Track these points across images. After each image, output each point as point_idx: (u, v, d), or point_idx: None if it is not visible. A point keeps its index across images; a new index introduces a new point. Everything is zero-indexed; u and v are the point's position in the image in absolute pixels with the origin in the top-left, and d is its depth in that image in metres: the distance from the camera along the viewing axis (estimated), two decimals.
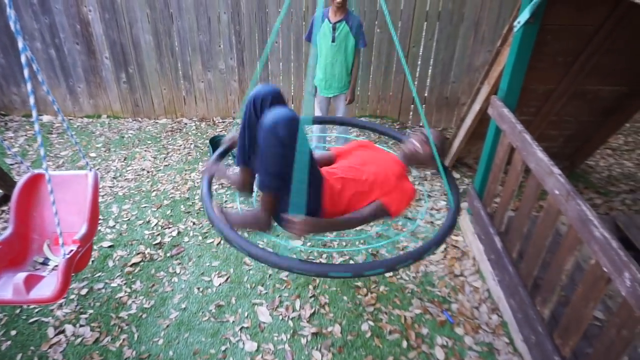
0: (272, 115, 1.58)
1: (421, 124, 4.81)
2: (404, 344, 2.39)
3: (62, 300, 2.61)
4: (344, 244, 3.08)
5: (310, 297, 2.67)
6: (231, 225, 1.76)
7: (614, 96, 3.28)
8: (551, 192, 2.04)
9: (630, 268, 1.51)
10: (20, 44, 1.66)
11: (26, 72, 1.66)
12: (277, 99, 1.84)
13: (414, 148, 2.07)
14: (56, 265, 2.17)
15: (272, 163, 1.64)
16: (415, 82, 4.60)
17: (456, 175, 3.94)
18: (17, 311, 2.55)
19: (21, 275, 1.89)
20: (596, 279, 1.72)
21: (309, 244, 3.00)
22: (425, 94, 4.64)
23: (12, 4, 1.56)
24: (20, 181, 2.29)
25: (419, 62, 4.48)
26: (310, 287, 2.74)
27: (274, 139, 1.58)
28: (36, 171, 2.35)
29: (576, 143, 3.85)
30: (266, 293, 2.71)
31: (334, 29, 3.31)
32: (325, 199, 1.86)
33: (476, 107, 3.30)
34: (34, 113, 1.69)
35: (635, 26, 2.64)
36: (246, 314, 2.57)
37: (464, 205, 3.34)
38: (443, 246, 3.07)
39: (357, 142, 2.27)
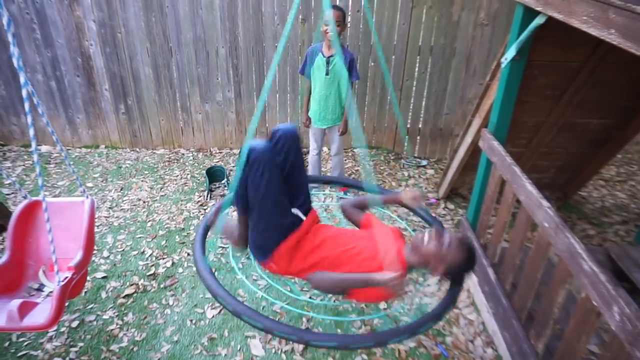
0: (251, 142, 1.78)
1: (416, 155, 4.87)
2: None
3: (52, 333, 2.58)
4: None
5: (304, 329, 2.64)
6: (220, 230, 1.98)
7: (602, 128, 3.35)
8: (541, 224, 2.07)
9: (618, 302, 1.52)
10: (22, 79, 1.72)
11: (27, 106, 1.71)
12: (293, 140, 1.96)
13: (421, 239, 1.79)
14: (51, 292, 2.17)
15: (238, 184, 1.85)
16: (410, 114, 4.69)
17: (450, 206, 3.96)
18: (6, 344, 2.52)
19: (15, 302, 1.90)
20: (587, 312, 1.73)
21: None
22: (420, 126, 4.72)
23: (15, 42, 1.61)
24: (18, 208, 2.31)
25: (413, 95, 4.57)
26: (304, 319, 2.71)
27: (245, 163, 1.78)
28: (33, 198, 2.37)
29: (567, 174, 3.90)
30: None
31: (327, 62, 3.41)
32: (286, 244, 1.88)
33: (468, 139, 3.36)
34: (34, 144, 1.73)
35: (617, 63, 2.73)
36: (239, 347, 2.54)
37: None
38: (437, 277, 3.06)
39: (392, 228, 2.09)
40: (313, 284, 1.85)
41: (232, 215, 3.19)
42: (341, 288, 1.77)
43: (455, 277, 1.84)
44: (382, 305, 2.80)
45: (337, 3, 3.62)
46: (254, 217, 1.87)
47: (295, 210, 1.97)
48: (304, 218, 1.98)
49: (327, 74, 3.42)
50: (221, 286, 1.71)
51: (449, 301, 1.77)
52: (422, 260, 1.79)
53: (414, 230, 3.56)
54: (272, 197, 1.82)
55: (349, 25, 4.14)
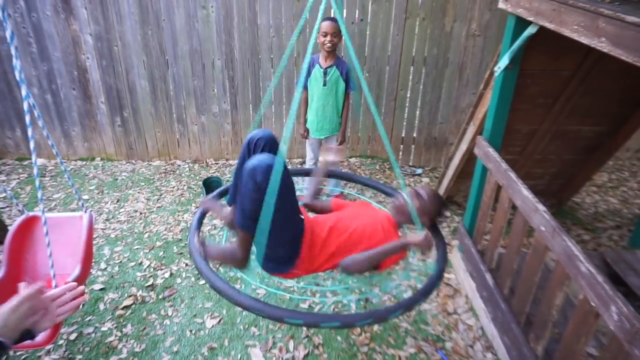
0: (254, 160, 1.68)
1: (411, 164, 4.92)
2: None
3: (50, 346, 2.56)
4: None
5: (304, 337, 2.65)
6: (207, 256, 1.83)
7: (594, 135, 3.41)
8: (537, 229, 2.10)
9: (616, 302, 1.55)
10: (23, 92, 1.74)
11: (27, 118, 1.72)
12: (270, 143, 1.93)
13: (401, 202, 2.11)
14: None
15: (247, 204, 1.74)
16: (404, 124, 4.75)
17: (446, 213, 4.00)
18: (4, 358, 2.48)
19: None
20: (585, 314, 1.75)
21: (302, 283, 3.00)
22: (414, 135, 4.78)
23: (18, 55, 1.64)
24: (15, 223, 2.31)
25: (407, 104, 4.63)
26: (304, 327, 2.72)
27: (251, 182, 1.68)
28: (31, 213, 2.37)
29: (561, 181, 3.96)
30: (259, 334, 2.68)
31: (325, 73, 3.45)
32: (304, 247, 1.92)
33: (463, 146, 3.41)
34: (34, 156, 1.74)
35: (608, 71, 2.80)
36: (239, 357, 2.53)
37: (454, 242, 3.38)
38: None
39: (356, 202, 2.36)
40: (347, 270, 1.92)
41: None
42: (374, 263, 1.93)
43: (434, 223, 2.14)
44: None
45: (332, 15, 3.67)
46: (272, 231, 1.68)
47: None
48: (302, 216, 2.01)
49: (324, 84, 3.46)
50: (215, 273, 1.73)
51: (443, 258, 1.95)
52: (408, 218, 2.06)
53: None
54: (288, 206, 1.82)
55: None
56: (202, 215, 2.07)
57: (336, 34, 3.31)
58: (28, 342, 1.84)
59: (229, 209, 2.13)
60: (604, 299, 1.60)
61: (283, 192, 1.63)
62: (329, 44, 3.33)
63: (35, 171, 1.74)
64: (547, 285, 2.05)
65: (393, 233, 2.05)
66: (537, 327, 2.15)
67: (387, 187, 2.48)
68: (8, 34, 1.56)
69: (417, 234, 1.90)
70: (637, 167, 5.03)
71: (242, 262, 1.96)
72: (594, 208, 4.16)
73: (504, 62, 2.50)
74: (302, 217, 2.00)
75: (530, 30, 2.25)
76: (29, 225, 2.34)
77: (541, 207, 2.11)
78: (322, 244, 1.95)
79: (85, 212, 2.35)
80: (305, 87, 3.60)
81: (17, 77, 1.66)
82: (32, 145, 1.73)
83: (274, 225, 1.65)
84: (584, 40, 1.74)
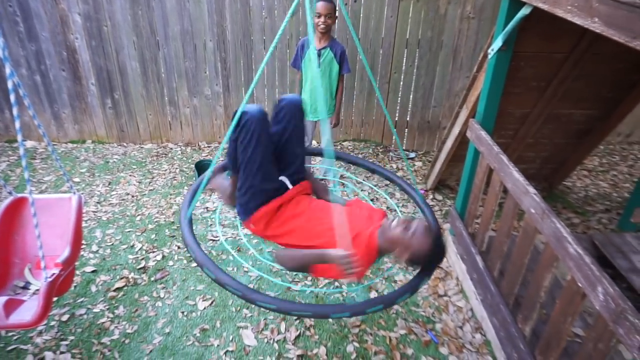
0: (245, 106, 1.83)
1: (404, 148, 4.91)
2: None
3: (42, 327, 2.56)
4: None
5: (296, 319, 2.67)
6: (211, 180, 2.07)
7: (586, 119, 3.42)
8: (527, 211, 2.11)
9: (602, 282, 1.57)
10: (7, 70, 1.70)
11: (12, 97, 1.69)
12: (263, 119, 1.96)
13: (390, 224, 1.77)
14: (37, 290, 2.15)
15: (230, 144, 1.98)
16: (398, 107, 4.73)
17: (438, 197, 4.01)
18: None
19: (0, 300, 1.87)
20: (573, 294, 1.77)
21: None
22: (407, 119, 4.76)
23: (1, 33, 1.60)
24: (3, 205, 2.28)
25: (401, 88, 4.60)
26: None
27: (236, 124, 1.86)
28: (19, 195, 2.34)
29: (553, 164, 3.97)
30: (251, 316, 2.70)
31: (319, 55, 3.41)
32: (265, 209, 1.96)
33: (456, 130, 3.41)
34: (19, 137, 1.71)
35: (601, 55, 2.79)
36: (231, 338, 2.55)
37: (446, 226, 3.40)
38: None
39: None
40: (277, 260, 1.91)
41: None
42: (302, 264, 1.82)
43: (423, 267, 1.79)
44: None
45: None
46: (241, 177, 1.95)
47: (283, 178, 2.04)
48: (290, 187, 2.04)
49: (318, 66, 3.42)
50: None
51: (407, 289, 1.71)
52: (389, 246, 1.76)
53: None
54: (258, 161, 1.89)
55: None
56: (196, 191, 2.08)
57: (330, 15, 3.27)
58: (19, 322, 1.86)
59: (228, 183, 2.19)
60: (591, 280, 1.62)
61: (253, 145, 1.86)
62: (322, 25, 3.28)
63: (21, 151, 1.72)
64: (536, 267, 2.07)
65: (363, 251, 1.75)
66: (526, 308, 2.18)
67: (406, 185, 2.27)
68: None
69: (337, 250, 1.63)
70: (628, 151, 5.06)
71: (229, 199, 2.16)
72: (584, 192, 4.19)
73: (497, 43, 2.48)
74: (287, 186, 2.04)
75: (524, 11, 2.23)
76: (17, 206, 2.31)
77: (532, 189, 2.12)
78: (288, 218, 1.98)
79: (74, 194, 2.33)
80: (300, 68, 3.57)
81: (0, 55, 1.62)
82: (17, 125, 1.70)
83: (244, 171, 1.91)
84: (577, 20, 1.72)
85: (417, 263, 1.75)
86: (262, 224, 1.98)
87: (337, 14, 3.40)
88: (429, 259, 1.75)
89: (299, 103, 2.05)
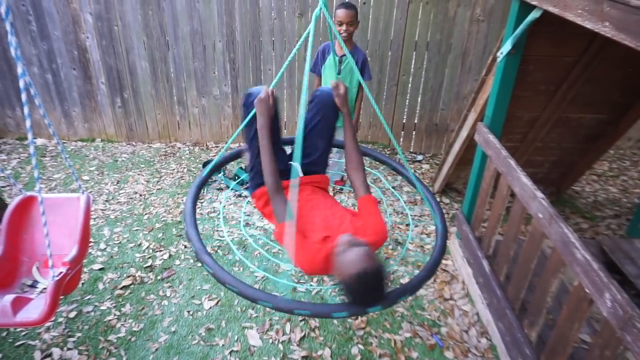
0: (252, 88, 1.97)
1: (411, 150, 4.90)
2: None
3: (49, 323, 2.59)
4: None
5: (301, 320, 2.67)
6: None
7: (595, 124, 3.39)
8: (535, 215, 2.10)
9: (610, 289, 1.56)
10: (19, 69, 1.71)
11: (24, 97, 1.70)
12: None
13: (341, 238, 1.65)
14: (45, 288, 2.16)
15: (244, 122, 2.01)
16: (406, 110, 4.72)
17: (445, 200, 4.00)
18: (4, 334, 2.52)
19: (8, 298, 1.88)
20: (579, 300, 1.76)
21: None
22: (415, 121, 4.75)
23: (13, 32, 1.62)
24: (12, 203, 2.30)
25: (409, 90, 4.59)
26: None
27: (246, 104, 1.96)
28: (28, 193, 2.36)
29: (561, 169, 3.94)
30: (256, 316, 2.70)
31: (340, 62, 3.40)
32: (262, 189, 1.96)
33: (464, 133, 3.39)
34: (30, 135, 1.72)
35: (611, 59, 2.77)
36: (236, 338, 2.56)
37: (453, 229, 3.38)
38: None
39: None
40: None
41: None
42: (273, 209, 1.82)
43: (354, 297, 1.55)
44: None
45: None
46: (250, 154, 2.05)
47: (295, 164, 1.91)
48: (300, 174, 2.05)
49: (338, 73, 3.39)
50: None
51: (408, 289, 1.66)
52: (332, 259, 1.64)
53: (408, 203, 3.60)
54: (259, 141, 1.89)
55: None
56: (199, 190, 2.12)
57: (352, 22, 3.22)
58: (26, 319, 1.87)
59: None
60: (599, 286, 1.61)
61: (252, 123, 1.93)
62: (344, 34, 3.22)
63: (31, 150, 1.74)
64: (542, 272, 2.06)
65: (311, 252, 1.69)
66: (532, 314, 2.16)
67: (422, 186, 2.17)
68: (3, 9, 1.54)
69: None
70: (638, 156, 5.01)
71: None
72: (593, 197, 4.16)
73: (506, 47, 2.47)
74: (297, 172, 2.00)
75: (534, 15, 2.22)
76: (26, 205, 2.33)
77: (539, 194, 2.11)
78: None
79: (83, 193, 2.35)
80: (319, 74, 3.55)
81: (13, 54, 1.64)
82: (28, 123, 1.72)
83: (249, 148, 2.03)
84: (587, 24, 1.71)
85: (349, 292, 1.54)
86: (261, 202, 2.04)
87: (358, 19, 3.35)
88: (359, 294, 1.52)
89: (330, 97, 2.06)
